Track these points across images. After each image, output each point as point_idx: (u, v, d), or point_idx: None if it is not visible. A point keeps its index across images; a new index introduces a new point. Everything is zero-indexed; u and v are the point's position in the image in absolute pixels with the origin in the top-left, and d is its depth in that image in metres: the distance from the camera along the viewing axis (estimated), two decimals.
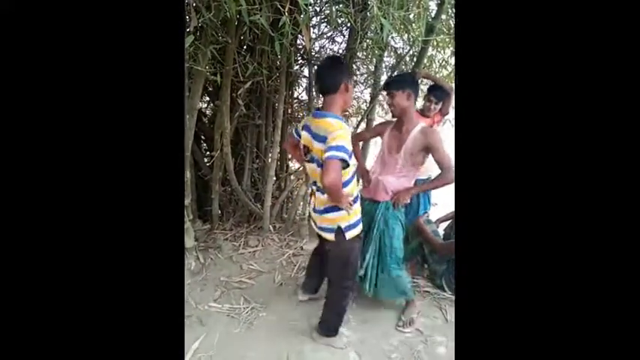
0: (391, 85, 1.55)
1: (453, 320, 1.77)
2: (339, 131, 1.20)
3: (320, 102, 2.96)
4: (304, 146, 1.35)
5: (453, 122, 3.10)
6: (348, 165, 1.23)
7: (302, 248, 2.42)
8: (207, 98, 2.69)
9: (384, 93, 1.60)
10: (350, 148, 1.21)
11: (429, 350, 1.57)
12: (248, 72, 1.90)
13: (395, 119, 1.65)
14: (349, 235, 1.38)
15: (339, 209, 1.34)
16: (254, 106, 2.45)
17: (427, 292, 1.97)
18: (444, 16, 2.08)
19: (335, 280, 1.49)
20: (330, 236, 1.40)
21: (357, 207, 1.40)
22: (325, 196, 1.32)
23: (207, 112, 2.85)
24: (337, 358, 1.51)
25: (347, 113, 2.92)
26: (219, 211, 2.63)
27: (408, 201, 1.63)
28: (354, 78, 2.61)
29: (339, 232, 1.37)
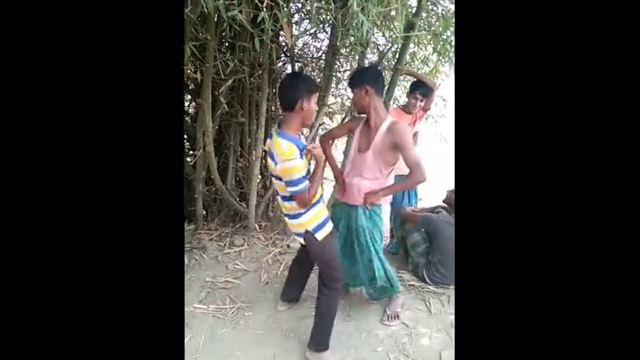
0: (349, 83, 1.51)
1: (437, 312, 1.81)
2: (290, 162, 1.22)
3: None
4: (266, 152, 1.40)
5: (436, 118, 3.16)
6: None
7: (288, 246, 2.42)
8: (189, 96, 2.63)
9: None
10: (301, 173, 1.24)
11: (414, 342, 1.60)
12: (229, 69, 1.87)
13: (364, 115, 1.56)
14: (320, 235, 1.40)
15: (304, 213, 1.37)
16: (236, 104, 2.42)
17: (412, 285, 2.01)
18: (424, 14, 2.10)
19: (323, 278, 1.47)
20: (302, 240, 1.44)
21: (319, 209, 1.41)
22: (288, 203, 1.36)
23: (190, 110, 2.79)
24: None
25: (330, 110, 2.92)
26: (204, 211, 2.59)
27: (379, 202, 1.56)
28: (338, 75, 2.60)
29: (309, 234, 1.40)
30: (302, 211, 1.37)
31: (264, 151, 1.40)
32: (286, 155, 1.23)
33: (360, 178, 1.55)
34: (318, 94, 1.33)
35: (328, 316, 1.48)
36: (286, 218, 1.46)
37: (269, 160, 1.32)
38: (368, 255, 1.59)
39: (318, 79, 2.46)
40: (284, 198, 1.37)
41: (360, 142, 1.57)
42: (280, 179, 1.30)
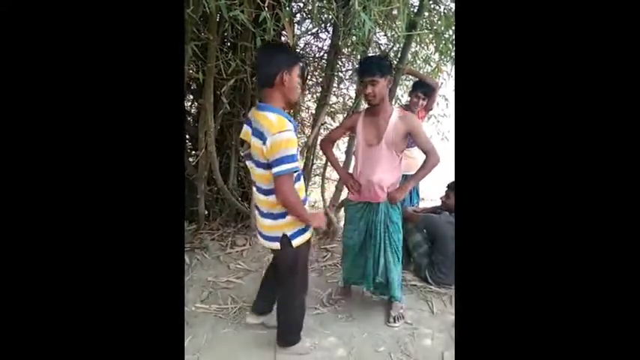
0: (373, 72, 1.38)
1: (439, 312, 1.80)
2: (281, 136, 1.03)
3: (307, 98, 2.93)
4: (243, 140, 1.20)
5: (438, 118, 3.15)
6: (297, 170, 1.10)
7: None
8: (191, 96, 2.64)
9: (364, 80, 1.42)
10: (295, 150, 1.08)
11: (416, 342, 1.60)
12: (231, 69, 1.87)
13: (364, 108, 1.56)
14: (296, 242, 1.24)
15: (282, 216, 1.20)
16: (238, 103, 2.42)
17: (414, 285, 2.00)
18: (426, 13, 2.09)
19: (286, 291, 1.36)
20: (275, 245, 1.25)
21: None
22: (271, 197, 1.18)
23: (192, 110, 2.80)
24: (325, 355, 1.52)
25: (332, 110, 2.92)
26: (206, 211, 2.60)
27: (403, 197, 1.60)
28: (339, 74, 2.60)
29: (285, 240, 1.22)
30: (283, 210, 1.18)
31: (241, 140, 1.25)
32: (277, 127, 1.03)
33: (378, 172, 1.53)
34: (300, 67, 1.14)
35: (292, 322, 1.42)
36: (262, 218, 1.23)
37: (253, 141, 1.11)
38: (379, 250, 1.60)
39: (320, 79, 2.46)
40: (267, 192, 1.17)
41: (367, 136, 1.54)
42: (265, 165, 1.10)
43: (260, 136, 1.08)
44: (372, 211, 1.59)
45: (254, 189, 1.24)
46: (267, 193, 1.18)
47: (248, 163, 1.22)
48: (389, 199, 1.56)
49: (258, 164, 1.14)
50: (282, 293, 1.38)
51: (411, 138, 1.51)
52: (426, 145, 1.49)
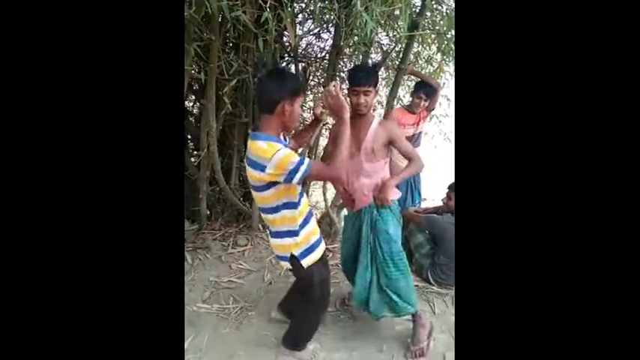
0: (368, 82, 1.34)
1: (441, 313, 1.79)
2: (279, 154, 1.03)
3: (309, 98, 2.93)
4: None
5: (440, 118, 3.14)
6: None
7: None
8: (193, 97, 2.65)
9: (357, 90, 1.35)
10: (297, 157, 1.07)
11: None
12: (233, 69, 1.87)
13: (340, 117, 1.45)
14: (306, 262, 1.23)
15: (289, 235, 1.20)
16: (240, 104, 2.42)
17: (416, 285, 1.99)
18: (428, 13, 2.09)
19: (304, 303, 1.37)
20: (286, 264, 1.26)
21: (311, 228, 1.27)
22: (267, 216, 1.20)
23: (194, 110, 2.81)
24: (327, 356, 1.52)
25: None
26: (208, 211, 2.60)
27: (395, 196, 1.51)
28: (341, 74, 2.60)
29: (295, 260, 1.23)
30: (293, 228, 1.19)
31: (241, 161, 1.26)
32: (269, 152, 1.04)
33: (360, 179, 1.49)
34: (303, 97, 1.15)
35: (306, 328, 1.42)
36: (271, 238, 1.26)
37: (251, 173, 1.11)
38: (362, 261, 1.51)
39: (322, 80, 2.46)
40: (267, 210, 1.19)
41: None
42: (259, 188, 1.12)
43: (255, 165, 1.08)
44: (358, 220, 1.54)
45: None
46: (268, 211, 1.19)
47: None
48: (378, 201, 1.47)
49: (255, 188, 1.17)
50: (301, 303, 1.39)
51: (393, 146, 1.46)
52: (407, 152, 1.46)
